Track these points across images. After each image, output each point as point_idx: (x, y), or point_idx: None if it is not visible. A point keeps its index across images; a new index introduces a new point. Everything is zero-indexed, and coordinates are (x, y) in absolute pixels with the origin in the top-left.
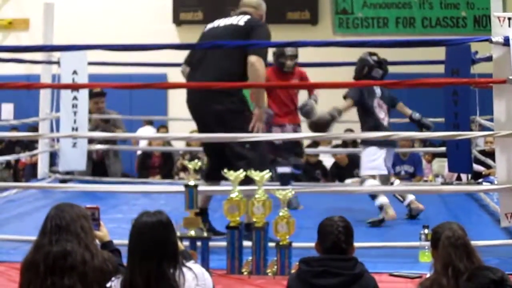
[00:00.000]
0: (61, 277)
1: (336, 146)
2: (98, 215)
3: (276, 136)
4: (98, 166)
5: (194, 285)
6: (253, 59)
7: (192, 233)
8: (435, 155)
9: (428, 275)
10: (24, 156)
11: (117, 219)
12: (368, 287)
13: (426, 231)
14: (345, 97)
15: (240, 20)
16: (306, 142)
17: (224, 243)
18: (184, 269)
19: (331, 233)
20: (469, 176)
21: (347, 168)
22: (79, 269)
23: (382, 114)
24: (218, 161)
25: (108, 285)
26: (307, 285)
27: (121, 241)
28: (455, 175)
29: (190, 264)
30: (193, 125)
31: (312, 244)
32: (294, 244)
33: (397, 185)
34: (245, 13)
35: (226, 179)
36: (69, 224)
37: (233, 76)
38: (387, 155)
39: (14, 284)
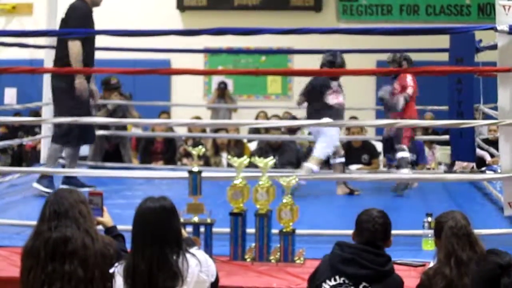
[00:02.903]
0: (61, 263)
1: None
2: (102, 201)
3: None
4: (111, 155)
5: (198, 271)
6: (68, 43)
7: (196, 219)
8: (437, 143)
9: (431, 264)
10: (26, 141)
11: (120, 204)
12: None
13: (429, 219)
14: None
15: (64, 12)
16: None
17: (227, 229)
18: (188, 255)
19: (367, 229)
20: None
21: (358, 150)
22: (79, 254)
23: None
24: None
25: (111, 270)
26: (334, 270)
27: (125, 226)
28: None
29: (194, 250)
30: (195, 111)
31: (315, 231)
32: (298, 231)
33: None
34: None
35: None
36: (68, 210)
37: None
38: None
39: (17, 268)
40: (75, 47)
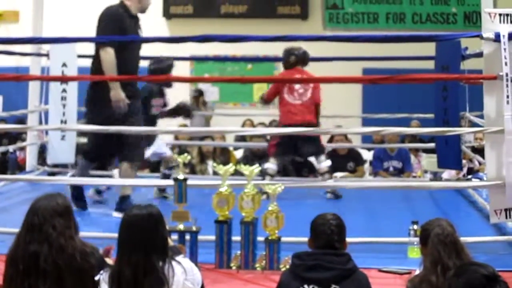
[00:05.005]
0: (36, 280)
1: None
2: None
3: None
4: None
5: (183, 279)
6: (100, 51)
7: (181, 227)
8: (423, 150)
9: (417, 271)
10: (13, 148)
11: (105, 212)
12: (361, 283)
13: (415, 227)
14: None
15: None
16: None
17: (213, 237)
18: (173, 263)
19: (323, 232)
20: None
21: (344, 158)
22: (51, 273)
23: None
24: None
25: (96, 278)
26: (299, 279)
27: (110, 234)
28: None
29: (180, 258)
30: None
31: (301, 239)
32: (283, 239)
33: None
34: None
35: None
36: (41, 224)
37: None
38: None
39: (0, 276)
40: (106, 55)
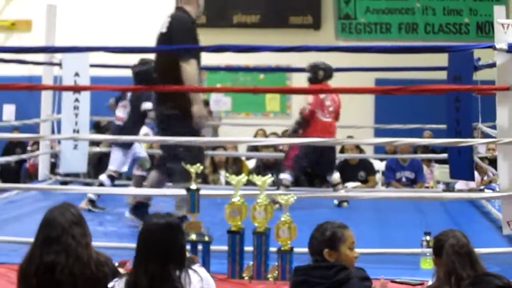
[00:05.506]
0: None
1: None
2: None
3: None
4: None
5: (199, 287)
6: (182, 63)
7: (193, 237)
8: (436, 161)
9: (430, 282)
10: (26, 157)
11: (117, 221)
12: None
13: (427, 237)
14: None
15: (164, 25)
16: None
17: (225, 247)
18: (190, 272)
19: (312, 241)
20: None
21: (355, 167)
22: (66, 284)
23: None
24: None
25: (110, 285)
26: None
27: (121, 243)
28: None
29: (196, 267)
30: None
31: None
32: (296, 249)
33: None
34: (177, 8)
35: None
36: (60, 235)
37: (169, 81)
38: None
39: (13, 286)
40: (190, 68)
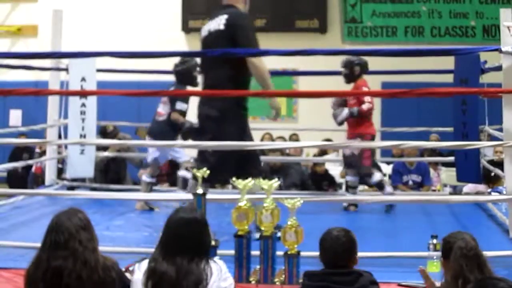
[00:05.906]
0: None
1: None
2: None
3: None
4: (114, 177)
5: (218, 278)
6: (252, 59)
7: None
8: (443, 164)
9: (437, 284)
10: (33, 163)
11: (123, 226)
12: None
13: (434, 241)
14: None
15: (220, 22)
16: (312, 151)
17: (232, 251)
18: (211, 263)
19: (331, 248)
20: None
21: None
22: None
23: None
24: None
25: (131, 268)
26: None
27: (128, 248)
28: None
29: (216, 259)
30: None
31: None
32: (302, 253)
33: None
34: (227, 6)
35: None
36: (67, 240)
37: (228, 81)
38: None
39: None
40: (260, 63)
